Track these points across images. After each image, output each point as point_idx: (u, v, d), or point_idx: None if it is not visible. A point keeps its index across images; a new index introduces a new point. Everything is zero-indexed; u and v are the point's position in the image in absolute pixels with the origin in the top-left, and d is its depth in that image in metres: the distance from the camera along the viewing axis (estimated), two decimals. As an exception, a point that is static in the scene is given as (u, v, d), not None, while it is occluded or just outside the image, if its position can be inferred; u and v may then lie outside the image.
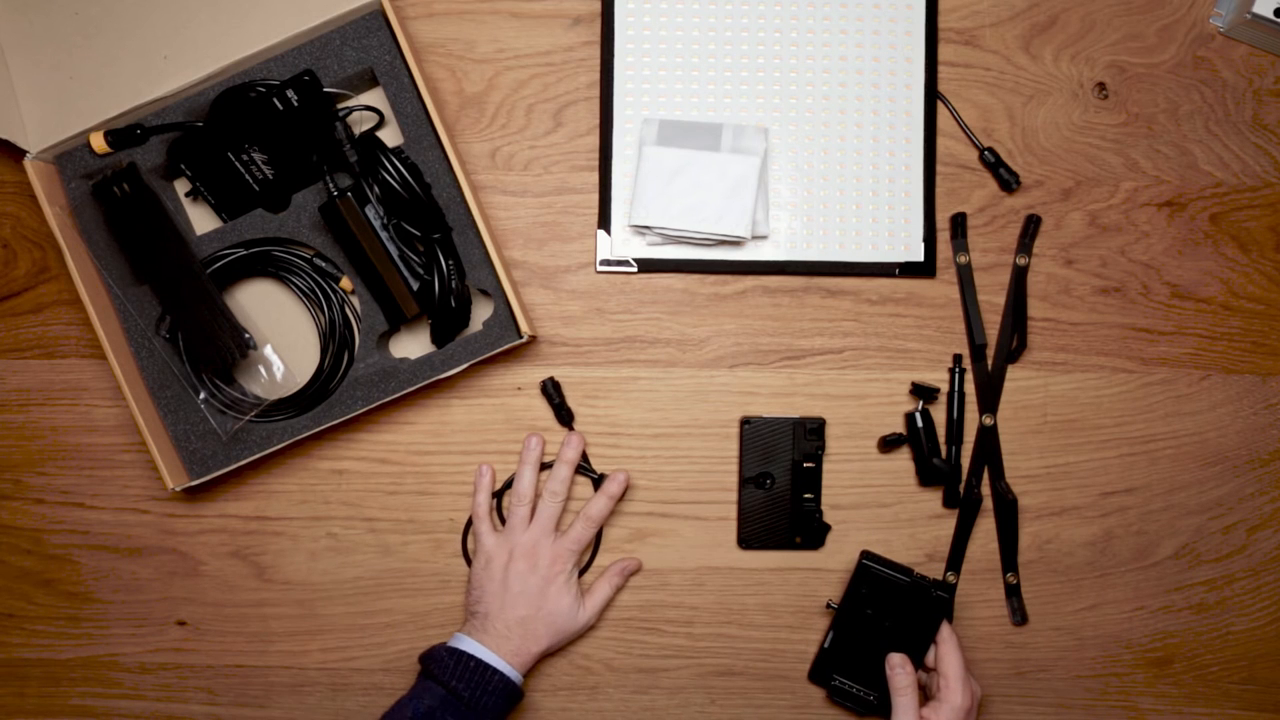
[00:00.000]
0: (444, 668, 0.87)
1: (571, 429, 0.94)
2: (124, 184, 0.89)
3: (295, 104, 0.88)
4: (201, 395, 0.92)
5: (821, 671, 0.93)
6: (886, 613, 0.90)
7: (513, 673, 0.88)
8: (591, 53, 0.95)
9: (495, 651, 0.88)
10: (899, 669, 0.88)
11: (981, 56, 0.95)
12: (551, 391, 0.94)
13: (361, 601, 0.96)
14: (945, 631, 0.89)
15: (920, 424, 0.93)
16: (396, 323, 0.91)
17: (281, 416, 0.92)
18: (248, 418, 0.91)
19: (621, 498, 0.94)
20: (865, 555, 0.92)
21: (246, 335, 0.90)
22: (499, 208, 0.95)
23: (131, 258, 0.91)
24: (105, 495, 0.96)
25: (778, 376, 0.95)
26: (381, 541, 0.96)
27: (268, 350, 0.94)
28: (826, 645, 0.92)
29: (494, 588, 0.91)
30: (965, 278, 0.95)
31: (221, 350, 0.90)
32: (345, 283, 0.92)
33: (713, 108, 0.95)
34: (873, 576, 0.91)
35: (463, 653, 0.87)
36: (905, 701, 0.86)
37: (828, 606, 0.93)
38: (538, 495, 0.94)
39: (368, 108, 0.91)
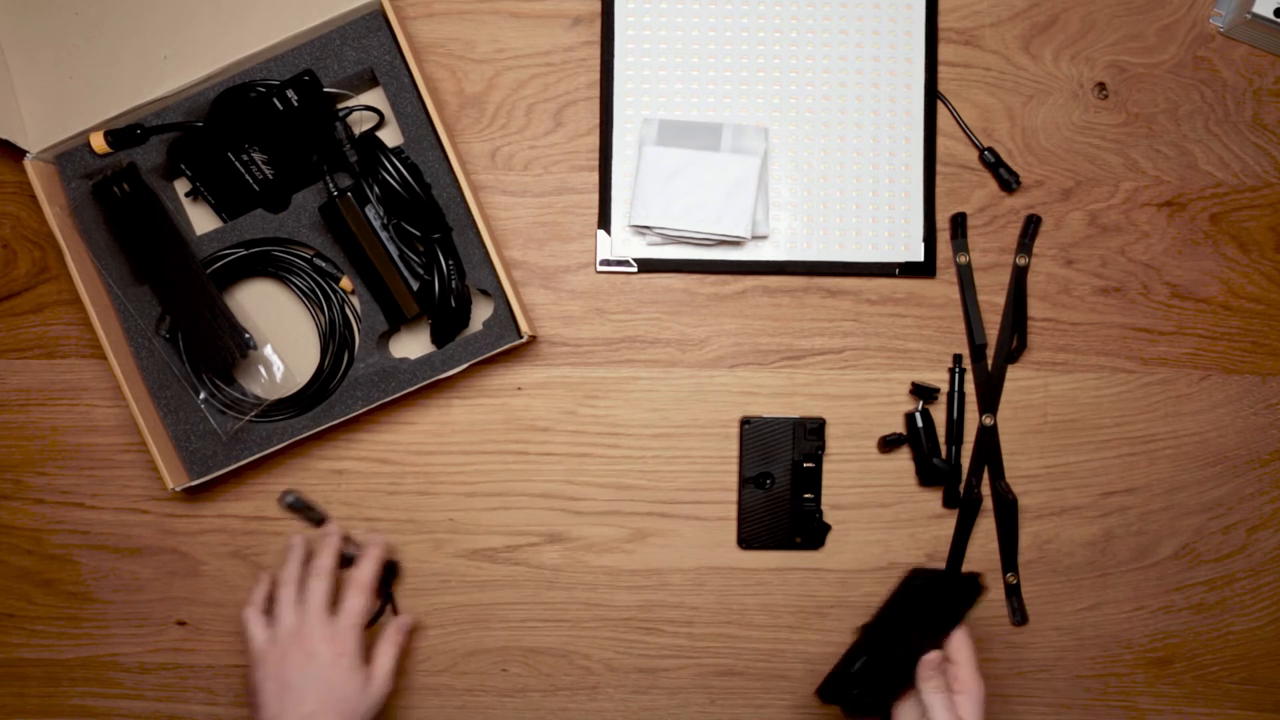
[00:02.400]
0: None
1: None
2: (124, 184, 0.89)
3: (295, 104, 0.88)
4: (201, 395, 0.92)
5: (839, 689, 0.86)
6: (918, 620, 0.84)
7: None
8: (591, 53, 0.95)
9: None
10: (933, 673, 0.81)
11: (981, 56, 0.95)
12: (298, 505, 0.88)
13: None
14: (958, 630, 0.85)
15: (920, 424, 0.93)
16: (396, 323, 0.91)
17: (281, 416, 0.92)
18: (248, 418, 0.91)
19: (385, 568, 0.91)
20: (915, 574, 0.84)
21: (246, 335, 0.90)
22: (499, 208, 0.95)
23: (131, 258, 0.91)
24: (105, 495, 0.96)
25: (778, 376, 0.95)
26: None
27: (268, 350, 0.94)
28: (857, 669, 0.84)
29: (272, 688, 0.84)
30: (965, 278, 0.95)
31: (222, 350, 0.90)
32: (345, 283, 0.92)
33: (713, 108, 0.95)
34: (918, 590, 0.84)
35: None
36: (941, 699, 0.80)
37: (860, 630, 0.86)
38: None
39: (368, 108, 0.91)
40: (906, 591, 0.83)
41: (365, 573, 0.89)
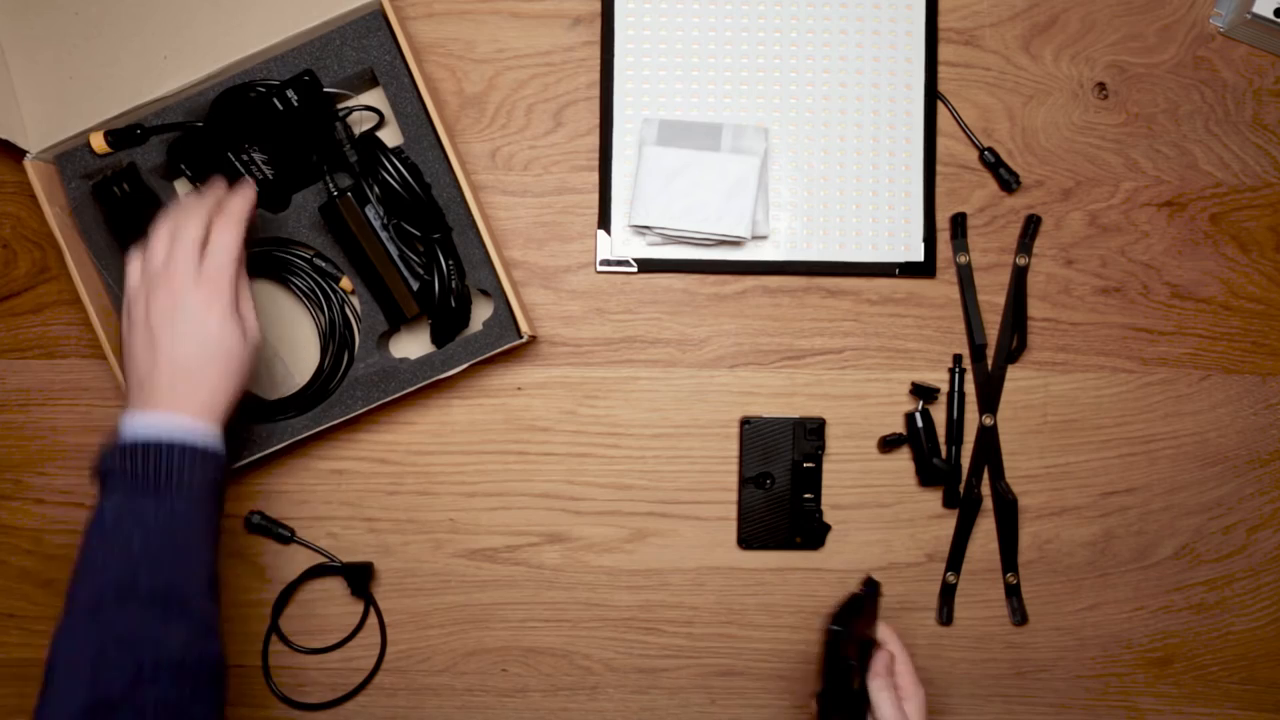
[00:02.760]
0: (114, 469, 0.72)
1: None
2: (124, 184, 0.89)
3: (295, 104, 0.88)
4: None
5: None
6: (856, 655, 0.83)
7: (199, 436, 0.73)
8: (591, 53, 0.95)
9: (169, 416, 0.73)
10: (880, 671, 0.81)
11: (981, 56, 0.95)
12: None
13: (362, 601, 0.96)
14: (886, 632, 0.86)
15: (920, 424, 0.93)
16: (396, 323, 0.91)
17: (281, 416, 0.91)
18: (253, 420, 0.91)
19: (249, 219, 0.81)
20: (832, 624, 0.82)
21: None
22: (499, 208, 0.95)
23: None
24: (105, 495, 0.96)
25: (778, 376, 0.95)
26: (381, 541, 0.96)
27: (267, 351, 0.94)
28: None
29: (140, 339, 0.75)
30: (965, 278, 0.95)
31: None
32: (345, 283, 0.92)
33: (713, 108, 0.95)
34: (840, 636, 0.82)
35: (128, 443, 0.72)
36: (888, 697, 0.80)
37: (815, 696, 0.83)
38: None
39: (368, 108, 0.91)
40: (833, 645, 0.82)
41: (235, 205, 0.79)
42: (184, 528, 0.72)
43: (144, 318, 0.75)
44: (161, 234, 0.77)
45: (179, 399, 0.74)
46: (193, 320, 0.74)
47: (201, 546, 0.73)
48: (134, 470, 0.71)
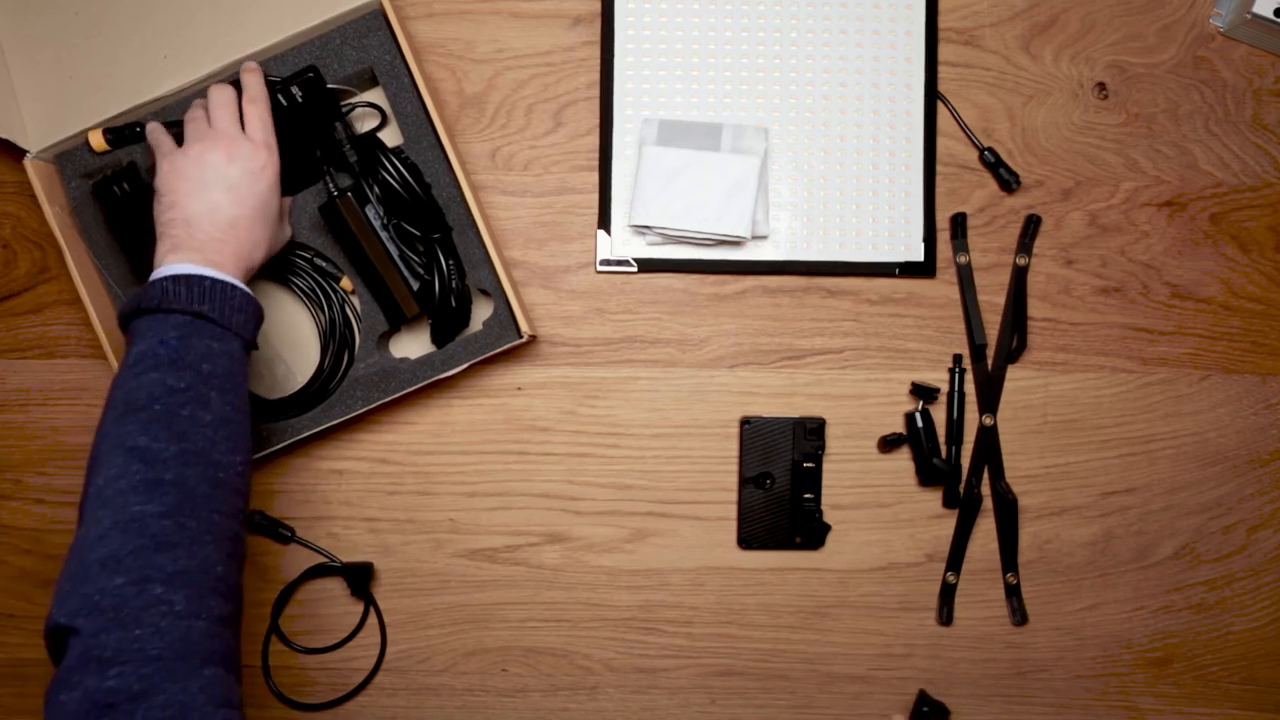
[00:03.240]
0: (174, 296, 0.73)
1: None
2: (124, 183, 0.89)
3: (299, 100, 0.87)
4: None
5: None
6: None
7: (246, 287, 0.77)
8: (591, 53, 0.95)
9: (216, 267, 0.76)
10: None
11: (981, 56, 0.95)
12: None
13: (362, 601, 0.96)
14: None
15: (920, 424, 0.93)
16: (397, 323, 0.91)
17: (282, 417, 0.91)
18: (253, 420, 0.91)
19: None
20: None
21: None
22: (499, 208, 0.95)
23: (131, 258, 0.91)
24: (105, 495, 0.96)
25: (778, 376, 0.95)
26: (381, 541, 0.96)
27: (268, 350, 0.94)
28: None
29: (189, 186, 0.78)
30: (965, 278, 0.95)
31: None
32: (345, 283, 0.92)
33: (713, 108, 0.95)
34: None
35: (190, 275, 0.74)
36: None
37: None
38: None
39: (370, 104, 0.91)
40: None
41: (256, 87, 0.84)
42: (240, 371, 0.76)
43: (198, 171, 0.78)
44: (196, 112, 0.82)
45: (223, 252, 0.77)
46: (241, 179, 0.79)
47: (243, 391, 0.76)
48: (192, 296, 0.73)
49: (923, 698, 0.93)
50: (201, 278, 0.75)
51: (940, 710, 0.92)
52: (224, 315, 0.74)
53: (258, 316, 0.78)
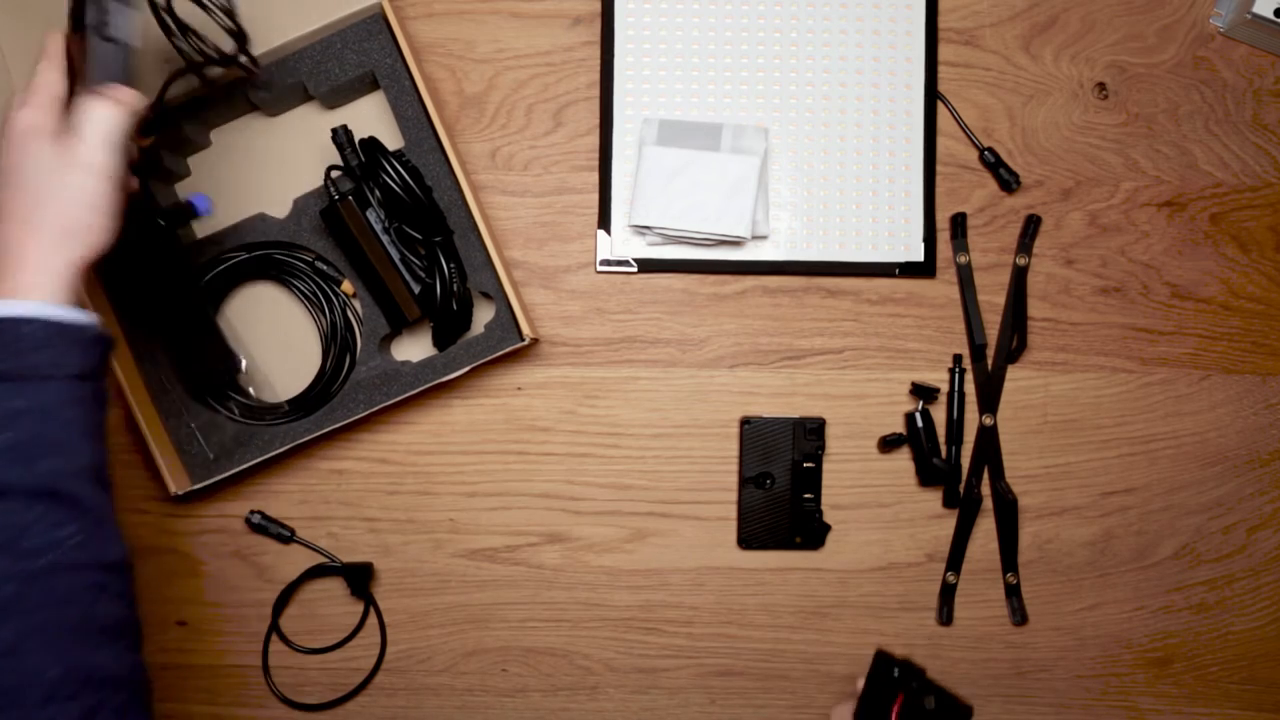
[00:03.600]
0: None
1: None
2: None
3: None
4: (195, 417, 0.92)
5: None
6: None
7: (44, 308, 0.64)
8: (591, 53, 0.95)
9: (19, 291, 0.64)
10: None
11: (981, 56, 0.95)
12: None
13: (362, 601, 0.96)
14: None
15: (920, 424, 0.93)
16: (398, 326, 0.91)
17: (284, 420, 0.92)
18: (258, 423, 0.91)
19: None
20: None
21: (237, 358, 0.90)
22: (499, 208, 0.95)
23: (130, 268, 0.91)
24: (106, 496, 0.96)
25: (778, 376, 0.95)
26: (381, 541, 0.96)
27: (251, 367, 0.94)
28: None
29: None
30: (965, 278, 0.95)
31: (211, 372, 0.90)
32: (347, 286, 0.92)
33: (713, 108, 0.95)
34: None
35: None
36: None
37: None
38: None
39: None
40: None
41: (52, 44, 0.71)
42: (57, 420, 0.63)
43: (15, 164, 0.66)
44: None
45: (27, 270, 0.64)
46: (56, 178, 0.66)
47: (82, 439, 0.64)
48: None
49: (882, 658, 0.86)
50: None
51: (912, 672, 0.86)
52: (13, 366, 0.62)
53: (67, 339, 0.64)
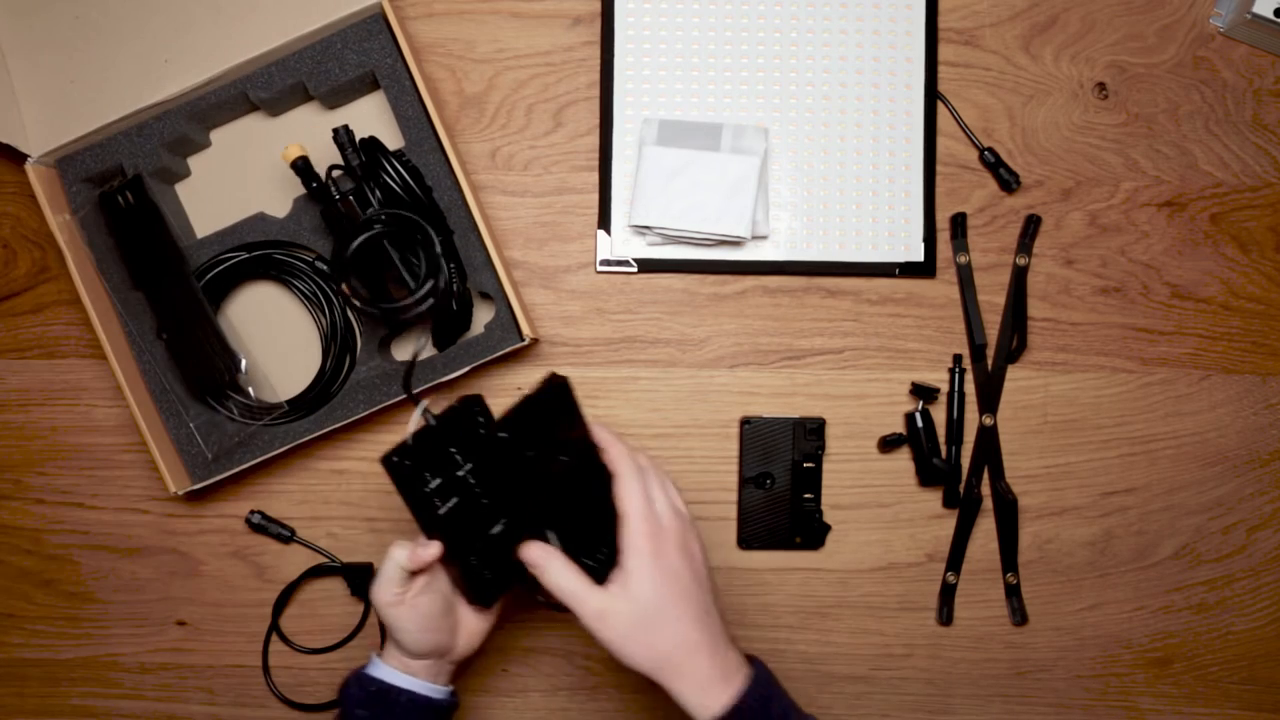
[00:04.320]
0: (350, 698, 0.80)
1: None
2: (128, 194, 0.89)
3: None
4: (195, 417, 0.92)
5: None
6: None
7: (426, 687, 0.80)
8: (591, 53, 0.95)
9: (404, 669, 0.80)
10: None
11: (981, 56, 0.95)
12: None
13: (362, 601, 0.96)
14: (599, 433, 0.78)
15: (920, 424, 0.93)
16: (398, 326, 0.91)
17: (284, 420, 0.92)
18: (257, 423, 0.91)
19: None
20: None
21: (238, 357, 0.90)
22: (499, 208, 0.95)
23: (131, 268, 0.91)
24: (105, 495, 0.96)
25: (778, 376, 0.95)
26: (381, 541, 0.96)
27: (251, 367, 0.94)
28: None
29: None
30: (965, 278, 0.95)
31: (212, 371, 0.90)
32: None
33: (713, 108, 0.95)
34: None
35: (366, 676, 0.80)
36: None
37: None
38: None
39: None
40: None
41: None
42: None
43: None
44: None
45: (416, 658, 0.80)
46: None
47: None
48: (361, 699, 0.79)
49: (555, 385, 0.73)
50: (375, 681, 0.79)
51: (558, 389, 0.73)
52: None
53: (427, 713, 0.79)
